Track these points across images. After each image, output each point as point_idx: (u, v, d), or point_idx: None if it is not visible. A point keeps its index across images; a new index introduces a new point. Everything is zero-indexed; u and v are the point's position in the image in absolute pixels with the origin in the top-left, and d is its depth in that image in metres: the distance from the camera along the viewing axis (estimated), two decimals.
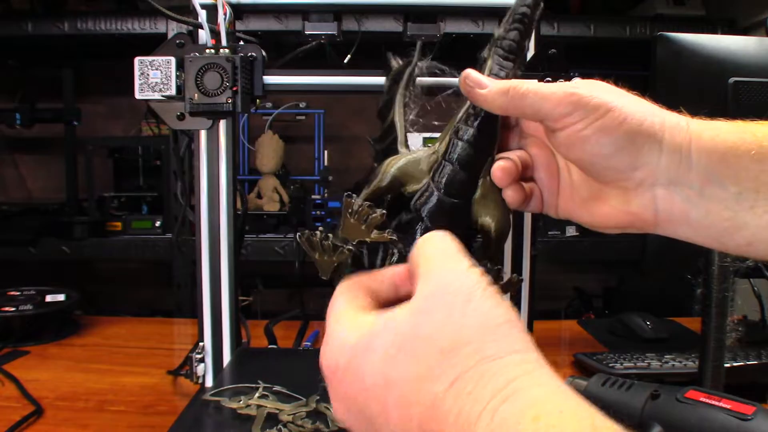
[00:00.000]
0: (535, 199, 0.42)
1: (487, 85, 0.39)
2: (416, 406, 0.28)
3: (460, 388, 0.27)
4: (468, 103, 0.41)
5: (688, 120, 0.38)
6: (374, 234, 0.41)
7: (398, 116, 0.48)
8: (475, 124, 0.41)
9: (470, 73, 0.40)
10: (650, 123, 0.37)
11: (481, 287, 0.31)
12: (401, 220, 0.42)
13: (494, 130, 0.42)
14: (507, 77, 0.40)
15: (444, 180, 0.41)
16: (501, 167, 0.40)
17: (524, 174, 0.42)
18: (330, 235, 0.42)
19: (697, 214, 0.37)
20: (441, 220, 0.40)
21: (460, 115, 0.42)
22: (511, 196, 0.41)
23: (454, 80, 0.43)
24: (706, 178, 0.36)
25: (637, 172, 0.38)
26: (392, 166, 0.43)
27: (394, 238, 0.40)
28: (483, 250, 0.42)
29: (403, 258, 0.40)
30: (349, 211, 0.41)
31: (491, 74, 0.41)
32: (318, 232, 0.42)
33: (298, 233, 0.43)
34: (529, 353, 0.29)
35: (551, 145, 0.41)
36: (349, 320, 0.33)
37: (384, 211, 0.41)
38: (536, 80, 0.40)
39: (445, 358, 0.28)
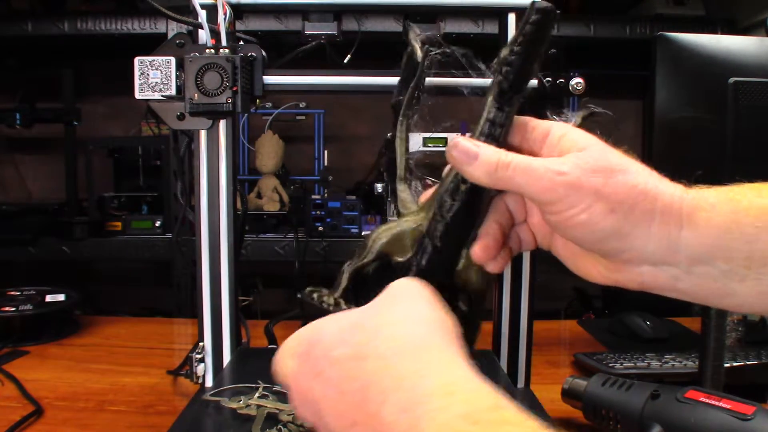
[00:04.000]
0: (526, 244, 0.43)
1: (475, 157, 0.37)
2: (349, 383, 0.32)
3: (383, 365, 0.31)
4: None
5: (683, 196, 0.37)
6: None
7: (398, 146, 0.47)
8: (460, 199, 0.40)
9: (458, 143, 0.38)
10: (641, 209, 0.36)
11: (420, 293, 0.36)
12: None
13: (480, 202, 0.41)
14: (504, 122, 0.39)
15: (425, 260, 0.40)
16: (481, 247, 0.40)
17: (517, 219, 0.42)
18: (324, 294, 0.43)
19: (684, 286, 0.38)
20: None
21: (449, 180, 0.40)
22: (492, 268, 0.41)
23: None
24: (695, 259, 0.36)
25: (623, 255, 0.37)
26: (378, 241, 0.43)
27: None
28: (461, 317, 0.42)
29: None
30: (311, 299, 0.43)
31: (487, 120, 0.39)
32: (315, 296, 0.43)
33: (299, 295, 0.44)
34: (450, 344, 0.33)
35: (543, 218, 0.40)
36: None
37: (334, 301, 0.43)
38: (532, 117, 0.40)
39: (374, 338, 0.32)
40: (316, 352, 0.34)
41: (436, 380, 0.30)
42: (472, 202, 0.40)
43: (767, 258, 0.35)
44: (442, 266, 0.41)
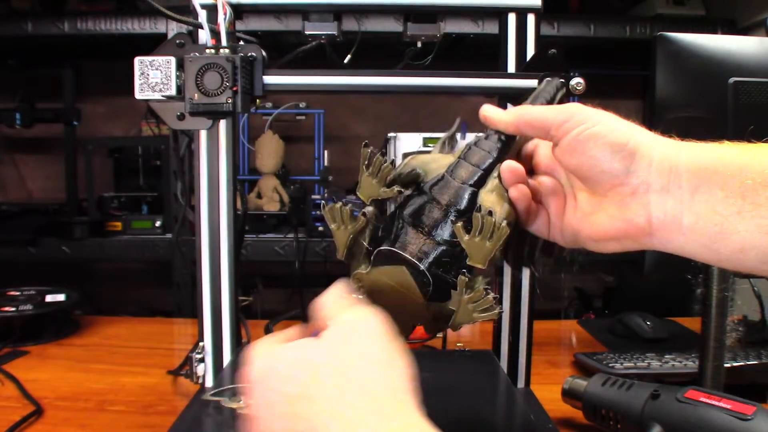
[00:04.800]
0: (541, 220, 0.46)
1: (500, 110, 0.47)
2: (296, 423, 0.32)
3: (330, 410, 0.31)
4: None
5: (675, 139, 0.42)
6: (383, 190, 0.45)
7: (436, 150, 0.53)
8: (491, 136, 0.47)
9: (486, 105, 0.48)
10: (640, 135, 0.41)
11: (376, 330, 0.36)
12: (414, 204, 0.46)
13: (507, 146, 0.47)
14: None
15: (457, 170, 0.46)
16: (508, 166, 0.44)
17: (534, 198, 0.46)
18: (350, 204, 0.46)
19: (689, 219, 0.39)
20: (447, 195, 0.45)
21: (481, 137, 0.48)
22: (515, 195, 0.44)
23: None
24: (695, 184, 0.39)
25: (631, 177, 0.40)
26: (415, 159, 0.48)
27: (402, 191, 0.45)
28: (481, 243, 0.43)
29: (417, 228, 0.44)
30: (366, 162, 0.45)
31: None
32: (340, 203, 0.46)
33: (323, 203, 0.47)
34: (403, 390, 0.33)
35: (556, 157, 0.45)
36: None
37: (393, 159, 0.44)
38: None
39: (323, 380, 0.33)
40: (269, 383, 0.35)
41: (385, 429, 0.30)
42: (501, 142, 0.47)
43: (758, 186, 0.37)
44: (471, 178, 0.45)
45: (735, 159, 0.38)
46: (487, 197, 0.44)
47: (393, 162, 0.46)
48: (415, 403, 0.32)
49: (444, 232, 0.44)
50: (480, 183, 0.45)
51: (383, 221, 0.47)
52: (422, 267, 0.43)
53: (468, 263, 0.43)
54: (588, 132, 0.41)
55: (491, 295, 0.43)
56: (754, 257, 0.38)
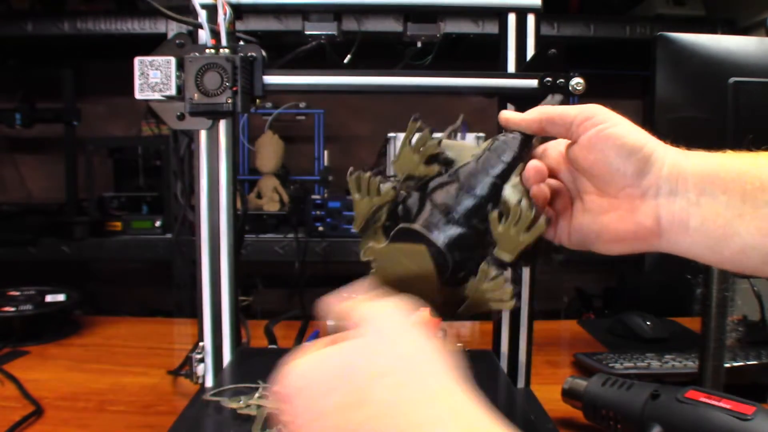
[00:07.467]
0: (555, 229, 0.47)
1: (521, 113, 0.47)
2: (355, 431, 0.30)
3: (385, 412, 0.30)
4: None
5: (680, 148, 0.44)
6: (423, 167, 0.45)
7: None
8: (513, 134, 0.48)
9: (504, 110, 0.49)
10: (654, 142, 0.43)
11: (408, 323, 0.34)
12: (441, 186, 0.46)
13: (527, 145, 0.47)
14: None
15: (484, 161, 0.46)
16: (534, 166, 0.45)
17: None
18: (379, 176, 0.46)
19: (695, 221, 0.41)
20: (475, 182, 0.45)
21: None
22: (536, 192, 0.45)
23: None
24: (701, 189, 0.41)
25: (642, 180, 0.42)
26: (443, 142, 0.48)
27: (442, 171, 0.46)
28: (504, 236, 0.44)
29: (441, 210, 0.44)
30: (411, 137, 0.46)
31: None
32: (369, 172, 0.46)
33: (349, 172, 0.47)
34: (454, 379, 0.32)
35: (572, 155, 0.46)
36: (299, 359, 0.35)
37: (441, 138, 0.47)
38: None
39: (372, 383, 0.31)
40: (312, 395, 0.32)
41: (453, 427, 0.28)
42: (522, 138, 0.48)
43: (756, 190, 0.39)
44: (497, 168, 0.46)
45: (735, 165, 0.40)
46: (511, 190, 0.45)
47: (440, 142, 0.46)
48: (470, 393, 0.31)
49: (469, 218, 0.44)
50: (504, 177, 0.46)
51: (407, 198, 0.46)
52: (443, 249, 0.43)
53: (495, 253, 0.43)
54: (608, 131, 0.43)
55: (511, 287, 0.43)
56: (755, 258, 0.39)
